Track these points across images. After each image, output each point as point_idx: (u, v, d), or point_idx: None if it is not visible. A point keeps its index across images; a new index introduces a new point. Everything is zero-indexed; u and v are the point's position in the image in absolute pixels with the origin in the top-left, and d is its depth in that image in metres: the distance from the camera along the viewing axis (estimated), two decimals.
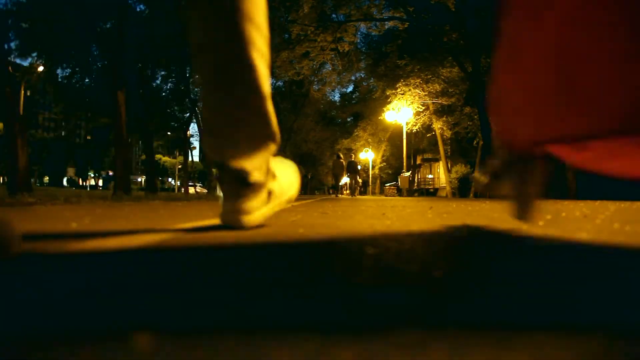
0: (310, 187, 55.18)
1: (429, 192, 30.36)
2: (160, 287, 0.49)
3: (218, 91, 1.03)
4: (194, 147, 44.03)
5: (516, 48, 0.67)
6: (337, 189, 17.05)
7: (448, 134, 19.13)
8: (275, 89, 33.21)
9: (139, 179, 56.30)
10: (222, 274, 0.57)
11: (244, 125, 1.02)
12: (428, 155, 32.96)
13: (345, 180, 19.35)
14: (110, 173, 53.99)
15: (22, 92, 17.44)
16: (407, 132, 22.69)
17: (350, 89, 35.81)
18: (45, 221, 1.60)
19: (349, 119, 37.98)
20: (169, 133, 24.38)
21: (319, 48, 15.29)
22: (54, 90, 14.26)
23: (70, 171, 58.79)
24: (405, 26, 14.38)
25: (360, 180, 20.29)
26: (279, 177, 1.19)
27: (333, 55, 18.39)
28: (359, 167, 18.70)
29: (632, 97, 0.47)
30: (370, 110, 29.43)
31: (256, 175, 1.05)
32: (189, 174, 31.36)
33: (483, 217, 2.02)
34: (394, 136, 30.17)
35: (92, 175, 66.38)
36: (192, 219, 1.65)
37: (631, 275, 0.60)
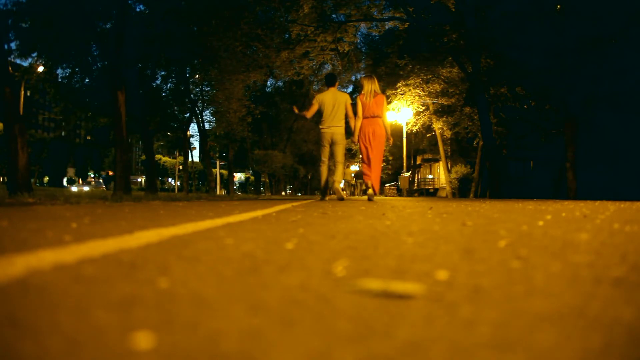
0: (310, 187, 55.11)
1: (429, 192, 30.31)
2: None
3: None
4: (194, 147, 43.93)
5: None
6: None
7: (448, 134, 19.08)
8: (275, 89, 33.18)
9: (139, 179, 56.24)
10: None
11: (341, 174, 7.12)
12: (428, 156, 32.89)
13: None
14: (110, 173, 53.91)
15: (22, 92, 17.41)
16: (407, 132, 22.65)
17: (350, 89, 35.77)
18: (46, 221, 1.60)
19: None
20: (169, 133, 24.31)
21: (319, 48, 15.26)
22: (54, 90, 14.18)
23: (70, 171, 58.69)
24: (406, 26, 14.36)
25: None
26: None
27: (333, 56, 18.33)
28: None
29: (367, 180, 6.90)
30: None
31: (339, 187, 7.12)
32: (189, 174, 31.35)
33: (482, 217, 2.01)
34: (394, 136, 30.18)
35: (92, 175, 66.30)
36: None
37: None
